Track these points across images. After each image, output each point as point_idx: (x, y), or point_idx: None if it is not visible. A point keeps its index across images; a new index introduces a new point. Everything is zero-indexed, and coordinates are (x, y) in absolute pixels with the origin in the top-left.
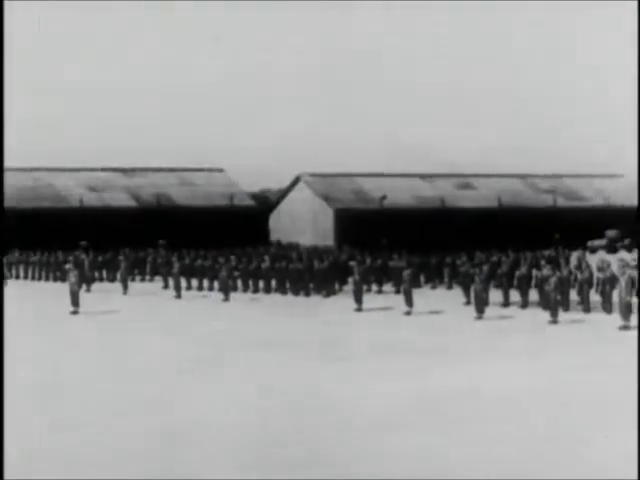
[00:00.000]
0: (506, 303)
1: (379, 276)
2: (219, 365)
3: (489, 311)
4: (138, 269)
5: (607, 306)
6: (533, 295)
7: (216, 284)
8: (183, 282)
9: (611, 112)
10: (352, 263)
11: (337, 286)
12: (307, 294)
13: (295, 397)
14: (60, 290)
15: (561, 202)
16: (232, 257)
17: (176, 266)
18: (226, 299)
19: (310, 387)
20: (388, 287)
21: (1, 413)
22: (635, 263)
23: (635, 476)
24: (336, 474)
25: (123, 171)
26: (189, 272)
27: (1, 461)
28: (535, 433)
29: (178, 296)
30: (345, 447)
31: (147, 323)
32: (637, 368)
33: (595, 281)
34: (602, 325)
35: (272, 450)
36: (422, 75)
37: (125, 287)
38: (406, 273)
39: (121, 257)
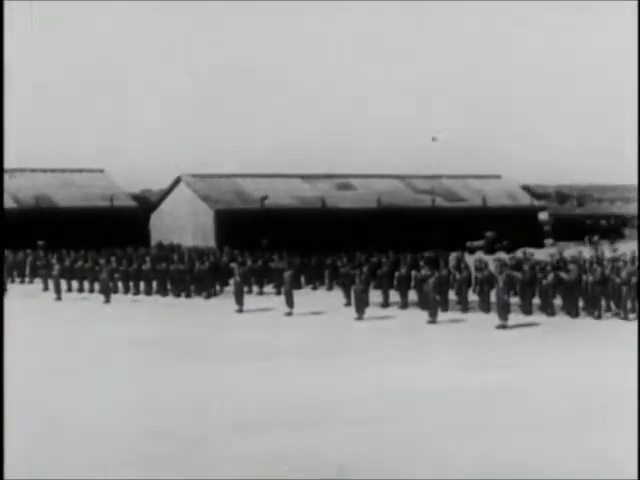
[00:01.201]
0: (386, 304)
1: (260, 277)
2: (94, 365)
3: (369, 311)
4: (17, 270)
5: (485, 305)
6: (413, 295)
7: (97, 286)
8: (63, 284)
9: (494, 113)
10: (233, 264)
11: (218, 287)
12: (188, 295)
13: (165, 396)
14: None
15: (440, 202)
16: (113, 258)
17: (56, 268)
18: (107, 301)
19: (182, 386)
20: (269, 288)
21: (1, 413)
22: (512, 263)
23: (635, 476)
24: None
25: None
26: (69, 274)
27: (1, 461)
28: (415, 431)
29: (58, 298)
30: (209, 448)
31: (26, 325)
32: (637, 367)
33: (473, 281)
34: (480, 324)
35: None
36: (301, 75)
37: (3, 289)
38: (287, 274)
39: None
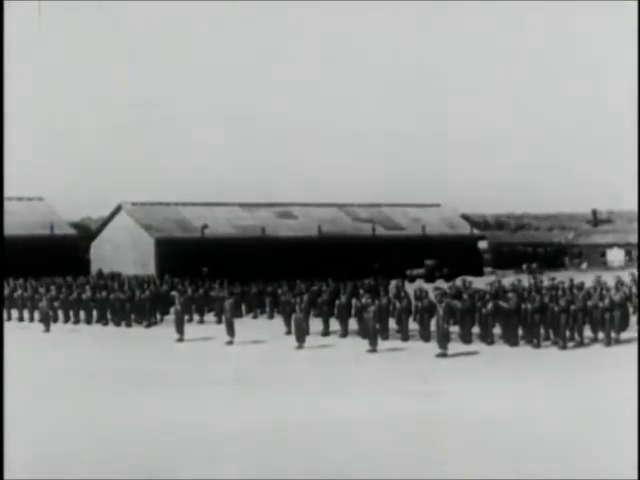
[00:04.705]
0: (326, 332)
1: (200, 306)
2: (32, 396)
3: (310, 340)
4: None
5: (425, 334)
6: (353, 324)
7: (37, 314)
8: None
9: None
10: (173, 293)
11: (159, 316)
12: (128, 325)
13: (102, 427)
14: None
15: (380, 231)
16: (52, 287)
17: None
18: (47, 330)
19: (120, 416)
20: (210, 317)
21: (1, 413)
22: (452, 291)
23: (635, 476)
24: None
25: None
26: (9, 302)
27: (1, 461)
28: (359, 455)
29: None
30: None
31: None
32: (637, 379)
33: (413, 310)
34: (420, 353)
35: None
36: (237, 104)
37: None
38: (227, 303)
39: None
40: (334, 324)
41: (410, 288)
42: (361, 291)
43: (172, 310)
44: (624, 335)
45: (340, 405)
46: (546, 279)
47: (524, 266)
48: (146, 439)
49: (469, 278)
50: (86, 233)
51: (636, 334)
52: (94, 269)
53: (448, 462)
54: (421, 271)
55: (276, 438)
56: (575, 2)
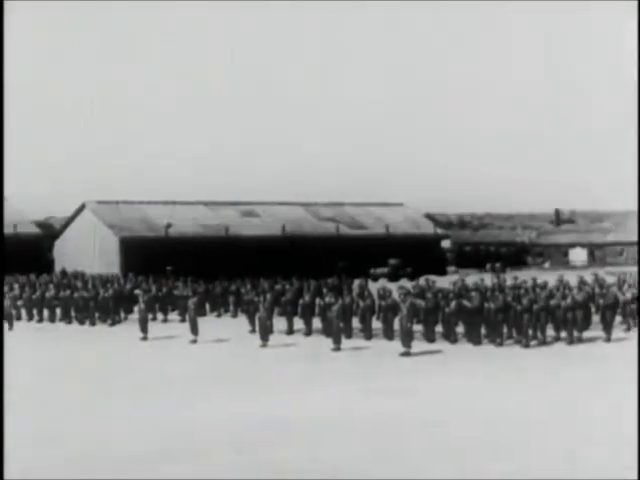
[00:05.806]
0: (290, 331)
1: (164, 304)
2: None
3: (274, 339)
4: None
5: (388, 333)
6: (317, 323)
7: None
8: None
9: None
10: (137, 291)
11: (122, 315)
12: (92, 323)
13: (68, 429)
14: None
15: (344, 230)
16: (16, 285)
17: None
18: (10, 328)
19: (82, 414)
20: (173, 315)
21: (1, 415)
22: (416, 290)
23: (635, 476)
24: None
25: None
26: None
27: (1, 461)
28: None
29: None
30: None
31: None
32: (637, 378)
33: (377, 308)
34: (383, 351)
35: None
36: (207, 103)
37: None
38: (191, 301)
39: None
40: (298, 323)
41: (374, 287)
42: (325, 290)
43: (136, 309)
44: (586, 334)
45: (304, 403)
46: (509, 278)
47: (487, 265)
48: (111, 437)
49: (432, 277)
50: (50, 232)
51: (596, 333)
52: (58, 268)
53: (409, 459)
54: (385, 270)
55: (237, 437)
56: (575, 2)
